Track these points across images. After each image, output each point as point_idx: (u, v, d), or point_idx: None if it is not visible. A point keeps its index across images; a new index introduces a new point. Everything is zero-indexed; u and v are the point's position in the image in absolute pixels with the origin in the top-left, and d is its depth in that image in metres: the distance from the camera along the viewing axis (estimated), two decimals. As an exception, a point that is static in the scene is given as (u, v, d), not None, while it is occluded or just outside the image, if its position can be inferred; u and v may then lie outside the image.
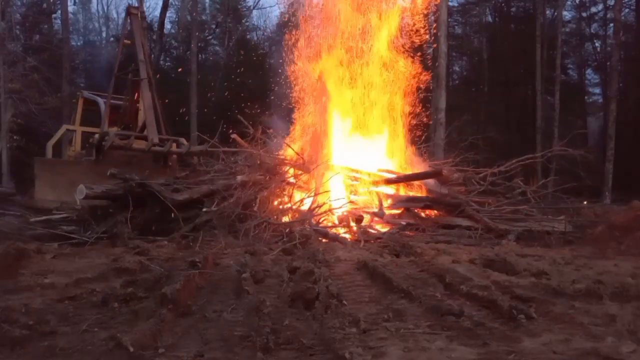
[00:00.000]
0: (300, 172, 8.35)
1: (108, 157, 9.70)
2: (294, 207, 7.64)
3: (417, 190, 8.89)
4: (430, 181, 8.90)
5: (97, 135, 11.48)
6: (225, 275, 4.23)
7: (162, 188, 6.84)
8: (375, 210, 7.69)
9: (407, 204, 8.11)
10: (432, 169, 9.53)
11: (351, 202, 7.90)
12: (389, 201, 8.27)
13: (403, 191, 8.88)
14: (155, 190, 6.57)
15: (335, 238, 6.58)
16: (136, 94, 11.14)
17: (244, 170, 8.53)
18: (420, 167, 9.64)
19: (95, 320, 3.01)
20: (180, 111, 18.71)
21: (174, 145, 10.24)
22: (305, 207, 7.56)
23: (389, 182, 8.72)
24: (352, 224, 7.23)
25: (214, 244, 6.10)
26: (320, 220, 7.31)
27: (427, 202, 8.10)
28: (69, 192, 8.12)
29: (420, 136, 11.62)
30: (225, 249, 5.75)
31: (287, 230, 6.63)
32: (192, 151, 9.95)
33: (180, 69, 23.03)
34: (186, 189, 7.31)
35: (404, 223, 7.54)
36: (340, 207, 7.50)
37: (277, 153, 9.34)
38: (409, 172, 9.30)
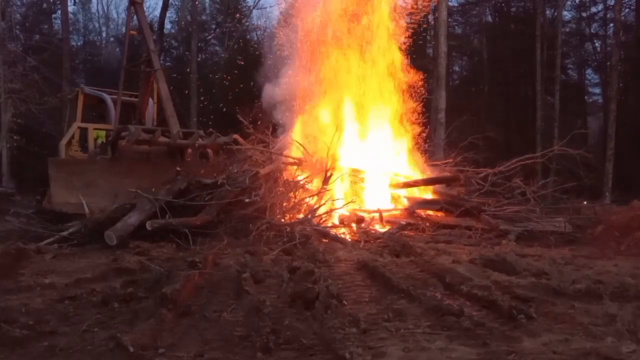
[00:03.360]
0: (311, 173, 8.27)
1: (124, 154, 9.24)
2: (307, 207, 7.59)
3: (423, 192, 8.88)
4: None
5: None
6: (225, 275, 4.22)
7: (195, 220, 6.64)
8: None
9: (424, 206, 8.06)
10: (450, 173, 9.48)
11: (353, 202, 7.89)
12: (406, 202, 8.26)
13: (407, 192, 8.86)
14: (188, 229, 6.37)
15: (336, 238, 6.57)
16: (147, 87, 10.69)
17: (260, 164, 8.44)
18: (421, 169, 9.63)
19: (95, 320, 3.02)
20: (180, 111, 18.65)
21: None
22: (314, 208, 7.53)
23: (406, 185, 8.68)
24: (353, 224, 7.24)
25: (214, 243, 6.10)
26: (322, 221, 7.30)
27: (443, 205, 8.00)
28: (86, 193, 7.85)
29: (421, 136, 11.60)
30: (225, 249, 5.75)
31: (287, 230, 6.62)
32: (216, 142, 9.25)
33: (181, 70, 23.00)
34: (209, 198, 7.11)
35: (404, 223, 7.53)
36: (342, 207, 7.50)
37: (285, 153, 9.26)
38: (412, 174, 9.29)
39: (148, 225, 6.06)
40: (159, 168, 8.59)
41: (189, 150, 9.60)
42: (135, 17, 10.66)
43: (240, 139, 9.98)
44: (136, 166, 8.76)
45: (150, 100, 11.21)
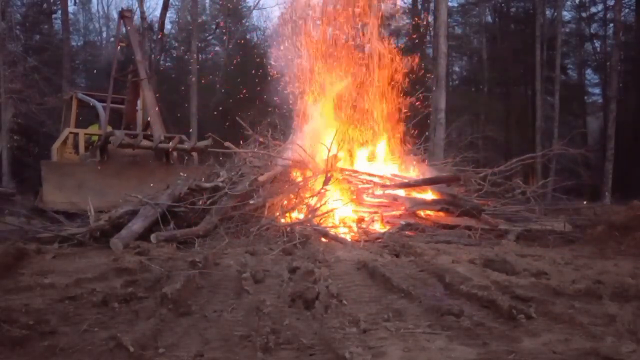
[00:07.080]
0: (310, 174, 8.27)
1: (112, 157, 9.74)
2: (307, 207, 7.60)
3: (423, 192, 8.86)
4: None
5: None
6: (225, 275, 4.23)
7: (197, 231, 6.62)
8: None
9: (424, 206, 8.05)
10: (450, 173, 9.48)
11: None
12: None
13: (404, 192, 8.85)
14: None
15: (335, 238, 6.57)
16: (135, 95, 11.14)
17: (255, 169, 8.51)
18: (421, 169, 9.62)
19: (95, 320, 3.01)
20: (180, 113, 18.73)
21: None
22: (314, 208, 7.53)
23: (405, 186, 8.67)
24: (353, 224, 7.23)
25: (214, 243, 6.10)
26: (321, 221, 7.30)
27: (444, 205, 7.93)
28: (76, 194, 8.19)
29: (420, 137, 11.62)
30: (225, 249, 5.76)
31: (288, 229, 6.62)
32: (196, 147, 9.76)
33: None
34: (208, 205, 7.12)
35: (404, 223, 7.53)
36: (342, 207, 7.49)
37: (284, 155, 9.27)
38: (408, 174, 9.27)
39: (153, 239, 6.12)
40: (145, 170, 9.43)
41: (174, 154, 10.17)
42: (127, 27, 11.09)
43: (231, 145, 10.01)
44: (124, 168, 9.40)
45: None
